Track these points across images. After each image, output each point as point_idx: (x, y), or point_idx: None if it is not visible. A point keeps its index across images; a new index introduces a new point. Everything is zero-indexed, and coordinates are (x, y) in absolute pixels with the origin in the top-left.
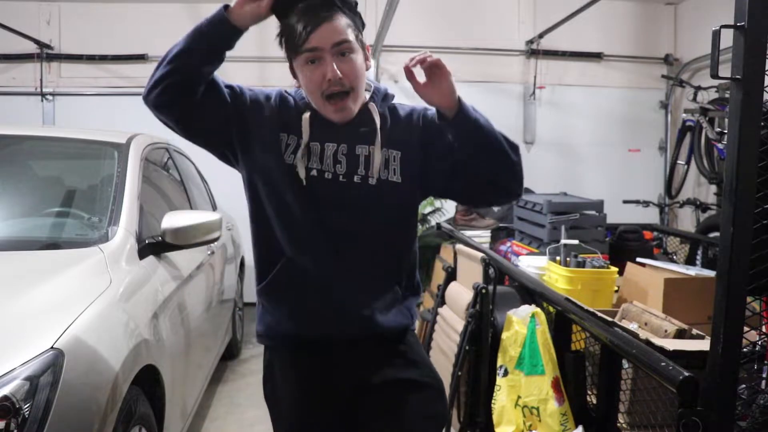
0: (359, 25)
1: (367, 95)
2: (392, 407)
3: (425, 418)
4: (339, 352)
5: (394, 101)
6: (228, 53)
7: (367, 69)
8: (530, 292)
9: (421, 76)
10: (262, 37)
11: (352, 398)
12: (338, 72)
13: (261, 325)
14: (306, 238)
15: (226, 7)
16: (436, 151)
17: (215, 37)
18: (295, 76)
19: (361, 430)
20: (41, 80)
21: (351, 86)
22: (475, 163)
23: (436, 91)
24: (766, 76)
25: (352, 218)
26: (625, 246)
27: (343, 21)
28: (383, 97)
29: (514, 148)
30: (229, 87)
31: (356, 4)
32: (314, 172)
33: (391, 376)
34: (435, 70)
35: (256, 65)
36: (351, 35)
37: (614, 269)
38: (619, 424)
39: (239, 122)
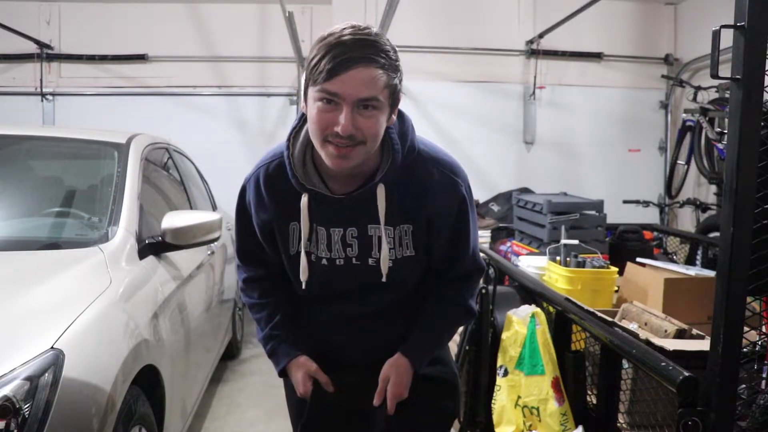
0: (398, 80)
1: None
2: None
3: (432, 410)
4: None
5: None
6: (228, 53)
7: (389, 124)
8: (530, 292)
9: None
10: (263, 37)
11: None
12: (352, 128)
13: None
14: (324, 319)
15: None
16: (434, 235)
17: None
18: (304, 101)
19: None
20: (41, 80)
21: (363, 140)
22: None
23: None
24: (766, 76)
25: (370, 297)
26: (625, 246)
27: (379, 72)
28: (398, 161)
29: (470, 312)
30: (258, 255)
31: (397, 60)
32: (324, 261)
33: None
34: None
35: (257, 65)
36: (383, 93)
37: (614, 269)
38: (619, 424)
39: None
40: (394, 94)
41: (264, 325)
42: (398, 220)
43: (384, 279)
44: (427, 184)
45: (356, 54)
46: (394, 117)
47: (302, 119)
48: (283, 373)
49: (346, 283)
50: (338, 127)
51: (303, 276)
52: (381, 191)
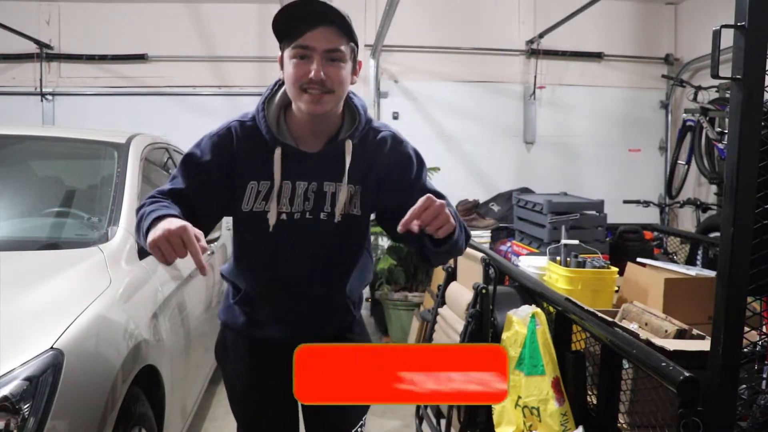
0: (354, 47)
1: (347, 125)
2: None
3: None
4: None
5: (373, 121)
6: (228, 53)
7: (352, 83)
8: (530, 292)
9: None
10: (262, 38)
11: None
12: (322, 74)
13: (224, 314)
14: (263, 266)
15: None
16: (390, 191)
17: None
18: (281, 67)
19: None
20: (41, 80)
21: (332, 88)
22: (431, 254)
23: (437, 229)
24: (766, 76)
25: (313, 251)
26: (625, 246)
27: (340, 30)
28: (361, 124)
29: (468, 239)
30: (176, 192)
31: (352, 26)
32: (284, 216)
33: None
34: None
35: (257, 65)
36: (346, 48)
37: (614, 269)
38: (619, 425)
39: (220, 190)
40: (353, 55)
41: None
42: (351, 180)
43: (338, 218)
44: (379, 148)
45: (325, 17)
46: (356, 78)
47: (274, 88)
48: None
49: (297, 238)
50: (311, 74)
51: (272, 220)
52: (348, 146)
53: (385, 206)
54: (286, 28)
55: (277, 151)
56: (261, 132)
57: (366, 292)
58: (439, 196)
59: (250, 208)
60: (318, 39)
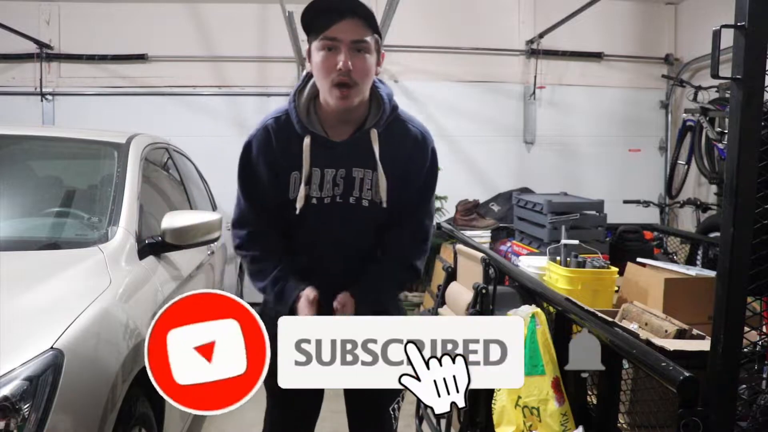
0: (378, 38)
1: (372, 112)
2: None
3: None
4: None
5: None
6: (228, 53)
7: (376, 74)
8: (530, 292)
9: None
10: (263, 37)
11: None
12: (349, 65)
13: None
14: (302, 249)
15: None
16: (397, 180)
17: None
18: (309, 59)
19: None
20: (41, 80)
21: (356, 81)
22: None
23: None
24: (766, 76)
25: (345, 234)
26: (625, 246)
27: (366, 24)
28: (387, 115)
29: (416, 271)
30: (260, 202)
31: (379, 28)
32: (314, 200)
33: None
34: None
35: (256, 65)
36: (371, 39)
37: (614, 269)
38: (619, 425)
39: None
40: (378, 46)
41: (270, 271)
42: (374, 167)
43: (366, 202)
44: (405, 142)
45: (347, 7)
46: (380, 68)
47: (305, 80)
48: (292, 310)
49: (329, 221)
50: (339, 64)
51: (299, 204)
52: (374, 135)
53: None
54: (313, 21)
55: (306, 140)
56: (293, 123)
57: None
58: (424, 198)
59: (295, 196)
60: (344, 30)
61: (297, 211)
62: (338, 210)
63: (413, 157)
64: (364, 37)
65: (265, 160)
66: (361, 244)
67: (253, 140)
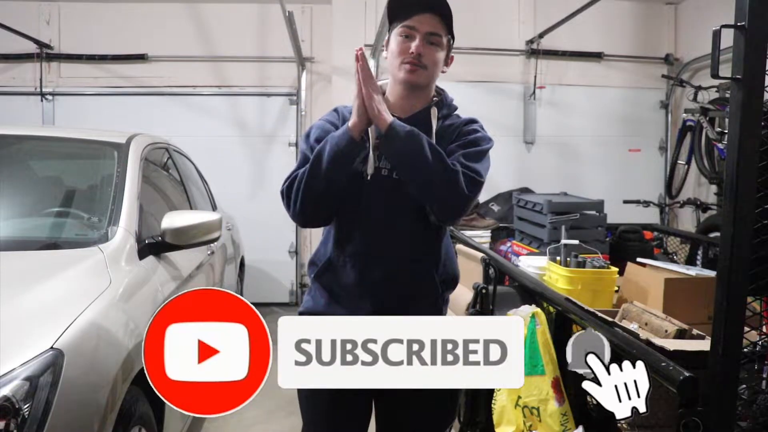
0: (451, 40)
1: (435, 100)
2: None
3: (432, 408)
4: None
5: (455, 112)
6: (228, 53)
7: (443, 71)
8: (530, 292)
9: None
10: (263, 37)
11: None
12: (422, 49)
13: (303, 306)
14: (359, 221)
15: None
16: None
17: (351, 157)
18: (386, 47)
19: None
20: (41, 80)
21: (426, 65)
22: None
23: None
24: (766, 76)
25: (400, 210)
26: (625, 246)
27: (443, 22)
28: (447, 106)
29: (451, 181)
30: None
31: (453, 31)
32: (384, 171)
33: None
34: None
35: (257, 65)
36: (444, 35)
37: (614, 269)
38: (619, 425)
39: None
40: (449, 46)
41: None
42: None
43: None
44: (451, 126)
45: (430, 3)
46: (447, 68)
47: (376, 76)
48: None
49: (387, 193)
50: (412, 48)
51: (370, 169)
52: (434, 112)
53: None
54: (398, 11)
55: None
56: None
57: None
58: (475, 171)
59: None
60: (423, 22)
61: (368, 177)
62: (394, 184)
63: (464, 131)
64: (438, 32)
65: (333, 128)
66: (415, 223)
67: (321, 119)
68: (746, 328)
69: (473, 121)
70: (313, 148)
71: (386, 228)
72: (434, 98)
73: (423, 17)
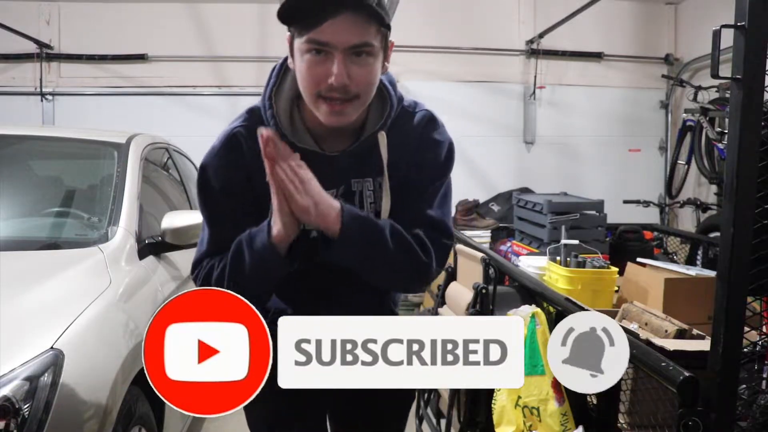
0: (386, 31)
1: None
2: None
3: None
4: None
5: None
6: (228, 53)
7: (383, 73)
8: (530, 292)
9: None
10: (263, 37)
11: None
12: (346, 78)
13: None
14: (297, 278)
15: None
16: (402, 185)
17: (280, 272)
18: (291, 54)
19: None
20: (41, 80)
21: (357, 93)
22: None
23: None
24: (766, 76)
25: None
26: (625, 246)
27: (370, 18)
28: (395, 110)
29: (421, 272)
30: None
31: (388, 15)
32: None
33: None
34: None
35: (257, 65)
36: (375, 37)
37: (614, 269)
38: (619, 425)
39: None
40: (385, 41)
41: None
42: (379, 174)
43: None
44: (411, 133)
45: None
46: (388, 65)
47: (280, 74)
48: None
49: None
50: (331, 78)
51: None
52: (383, 139)
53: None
54: (295, 12)
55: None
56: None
57: None
58: (445, 230)
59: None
60: (340, 32)
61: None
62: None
63: (423, 151)
64: (367, 39)
65: (233, 184)
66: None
67: (215, 154)
68: (746, 328)
69: (431, 123)
70: (219, 204)
71: (332, 274)
72: (371, 105)
73: (339, 22)
